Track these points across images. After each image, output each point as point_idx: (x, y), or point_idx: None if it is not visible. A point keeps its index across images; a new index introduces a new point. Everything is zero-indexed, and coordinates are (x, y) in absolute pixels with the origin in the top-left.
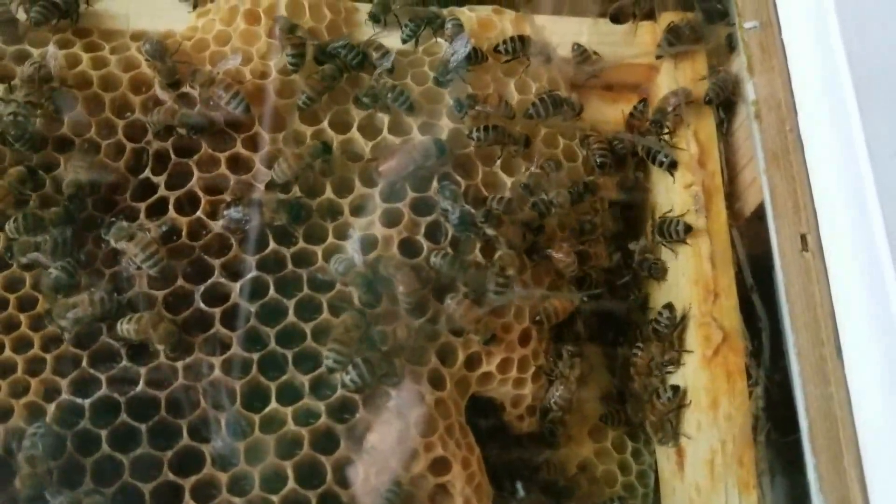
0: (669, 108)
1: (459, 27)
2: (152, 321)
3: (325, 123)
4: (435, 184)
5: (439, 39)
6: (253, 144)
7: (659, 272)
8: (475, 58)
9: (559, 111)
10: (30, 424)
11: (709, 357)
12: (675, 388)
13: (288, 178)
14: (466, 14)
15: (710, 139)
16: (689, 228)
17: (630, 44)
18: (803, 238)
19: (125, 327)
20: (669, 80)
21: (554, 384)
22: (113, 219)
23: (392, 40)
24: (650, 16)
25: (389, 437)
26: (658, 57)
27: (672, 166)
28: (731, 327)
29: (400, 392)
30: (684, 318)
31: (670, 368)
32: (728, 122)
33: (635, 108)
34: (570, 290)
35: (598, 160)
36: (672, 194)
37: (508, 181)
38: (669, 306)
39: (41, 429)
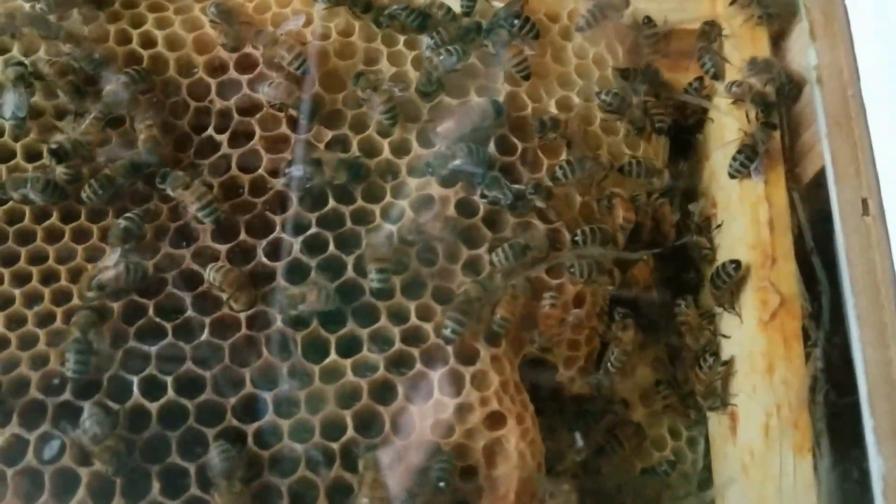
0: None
1: None
2: (238, 282)
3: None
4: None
5: (496, 2)
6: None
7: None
8: (524, 26)
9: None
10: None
11: (766, 321)
12: (716, 356)
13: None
14: None
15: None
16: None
17: (686, 10)
18: (864, 202)
19: (212, 274)
20: (730, 47)
21: (609, 347)
22: (167, 168)
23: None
24: None
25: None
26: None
27: (716, 77)
28: (788, 292)
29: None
30: (744, 275)
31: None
32: (789, 87)
33: (690, 84)
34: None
35: (657, 125)
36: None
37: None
38: (736, 263)
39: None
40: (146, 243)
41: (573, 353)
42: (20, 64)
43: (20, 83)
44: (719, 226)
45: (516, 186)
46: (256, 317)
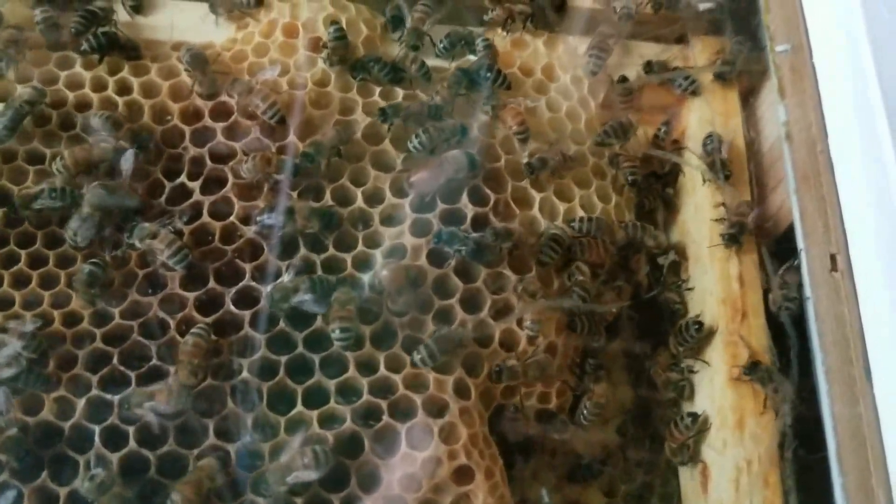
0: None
1: (489, 47)
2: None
3: (360, 135)
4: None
5: (471, 56)
6: (286, 153)
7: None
8: (497, 79)
9: (628, 135)
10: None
11: (736, 376)
12: (694, 415)
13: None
14: (500, 34)
15: (740, 160)
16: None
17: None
18: (833, 258)
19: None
20: (700, 103)
21: (581, 400)
22: (133, 222)
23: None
24: None
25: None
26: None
27: (694, 93)
28: (758, 346)
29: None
30: (710, 333)
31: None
32: (758, 141)
33: (659, 129)
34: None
35: (629, 178)
36: (701, 212)
37: (538, 196)
38: (699, 323)
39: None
40: (114, 290)
41: (544, 405)
42: (39, 91)
43: (26, 107)
44: (690, 289)
45: (473, 236)
46: (221, 365)
